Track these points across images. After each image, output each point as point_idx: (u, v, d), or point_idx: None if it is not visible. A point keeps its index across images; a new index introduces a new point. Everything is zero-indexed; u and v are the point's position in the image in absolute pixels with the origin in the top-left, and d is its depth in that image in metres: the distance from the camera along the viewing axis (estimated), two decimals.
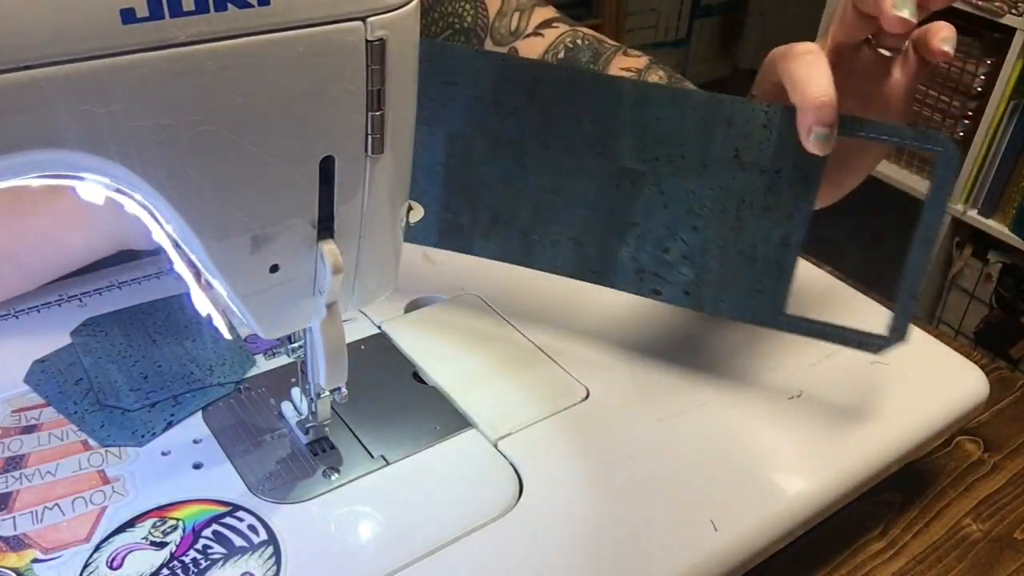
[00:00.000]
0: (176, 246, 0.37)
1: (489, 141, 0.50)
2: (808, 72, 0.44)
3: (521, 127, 0.49)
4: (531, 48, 0.72)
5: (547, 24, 0.72)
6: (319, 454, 0.47)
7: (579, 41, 0.70)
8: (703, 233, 0.47)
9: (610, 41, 0.71)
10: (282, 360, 0.53)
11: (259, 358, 0.53)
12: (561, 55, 0.70)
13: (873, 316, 0.60)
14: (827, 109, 0.43)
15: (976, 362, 0.58)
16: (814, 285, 0.64)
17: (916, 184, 1.77)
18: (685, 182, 0.47)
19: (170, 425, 0.48)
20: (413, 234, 0.52)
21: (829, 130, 0.43)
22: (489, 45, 0.73)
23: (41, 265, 0.55)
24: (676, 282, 0.46)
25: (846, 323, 0.49)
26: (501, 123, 0.49)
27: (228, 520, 0.43)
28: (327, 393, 0.46)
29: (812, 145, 0.44)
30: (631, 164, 0.48)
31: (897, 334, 0.46)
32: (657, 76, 0.66)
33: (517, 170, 0.50)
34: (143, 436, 0.47)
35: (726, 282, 0.47)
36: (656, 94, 0.47)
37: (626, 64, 0.68)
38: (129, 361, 0.52)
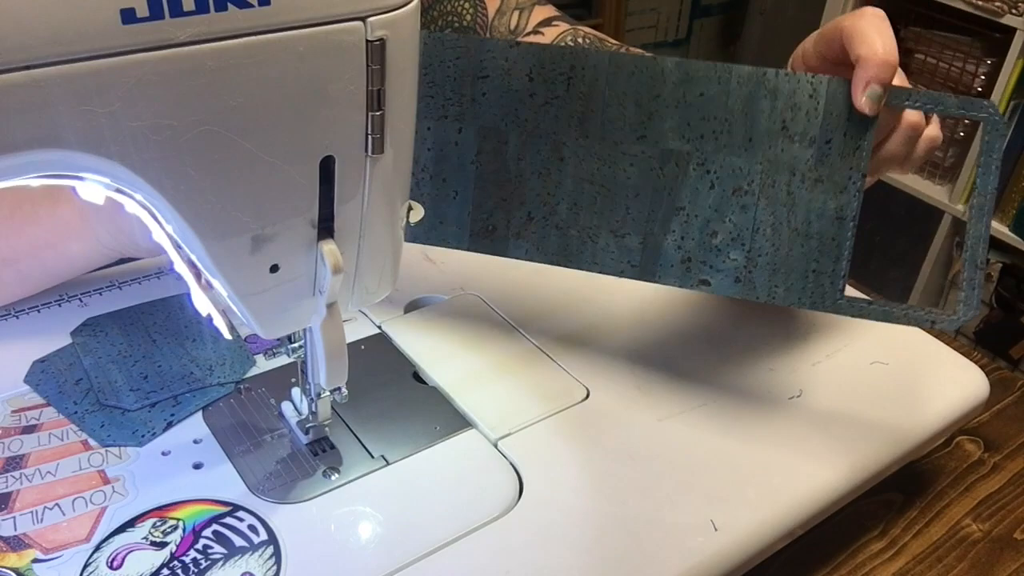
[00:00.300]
0: (176, 246, 0.37)
1: (524, 134, 0.49)
2: (878, 29, 0.44)
3: (558, 117, 0.48)
4: None
5: (547, 23, 0.72)
6: (319, 454, 0.47)
7: (580, 40, 0.70)
8: (753, 212, 0.45)
9: (611, 40, 0.71)
10: (282, 360, 0.53)
11: (259, 358, 0.53)
12: None
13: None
14: (889, 68, 0.43)
15: (976, 362, 0.58)
16: None
17: (925, 189, 1.77)
18: (732, 158, 0.46)
19: (170, 425, 0.48)
20: (444, 237, 0.51)
21: (883, 90, 0.43)
22: None
23: (41, 272, 0.55)
24: (726, 269, 0.44)
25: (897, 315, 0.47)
26: (536, 114, 0.48)
27: (228, 520, 0.43)
28: (327, 393, 0.46)
29: (864, 103, 0.43)
30: (675, 145, 0.47)
31: (967, 307, 0.44)
32: None
33: (554, 162, 0.49)
34: (143, 436, 0.47)
35: (780, 264, 0.45)
36: (700, 69, 0.46)
37: None
38: (129, 361, 0.52)
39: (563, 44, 0.70)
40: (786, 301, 0.43)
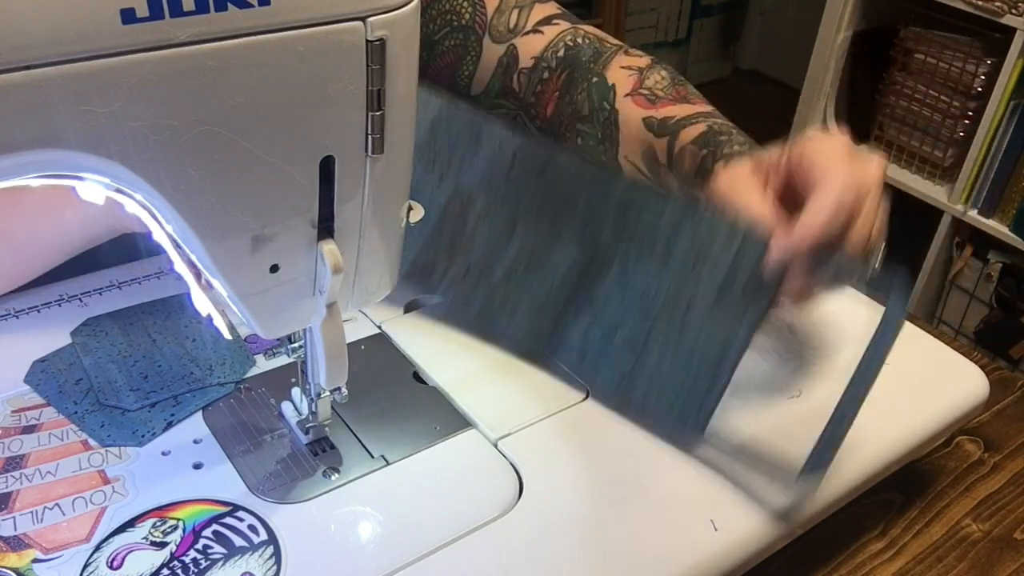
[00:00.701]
0: (176, 246, 0.37)
1: (491, 200, 0.54)
2: (826, 197, 0.45)
3: (523, 195, 0.54)
4: (530, 45, 0.71)
5: (547, 21, 0.71)
6: (319, 454, 0.47)
7: (580, 40, 0.70)
8: (651, 323, 0.48)
9: (612, 40, 0.71)
10: (282, 360, 0.53)
11: (259, 358, 0.53)
12: (561, 53, 0.70)
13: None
14: (814, 248, 0.44)
15: (976, 362, 0.58)
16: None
17: (925, 189, 1.77)
18: (648, 273, 0.50)
19: (170, 425, 0.48)
20: None
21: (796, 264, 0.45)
22: (487, 42, 0.72)
23: (38, 247, 0.54)
24: (613, 368, 0.47)
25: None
26: (507, 188, 0.54)
27: (228, 520, 0.43)
28: (327, 393, 0.46)
29: (772, 263, 0.45)
30: (606, 247, 0.51)
31: (808, 482, 0.45)
32: (659, 76, 0.66)
33: (507, 231, 0.54)
34: (143, 436, 0.47)
35: (660, 378, 0.47)
36: (643, 191, 0.51)
37: (627, 63, 0.68)
38: (129, 361, 0.52)
39: (561, 42, 0.70)
40: (656, 415, 0.44)
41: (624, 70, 0.68)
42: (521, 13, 0.72)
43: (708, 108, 0.64)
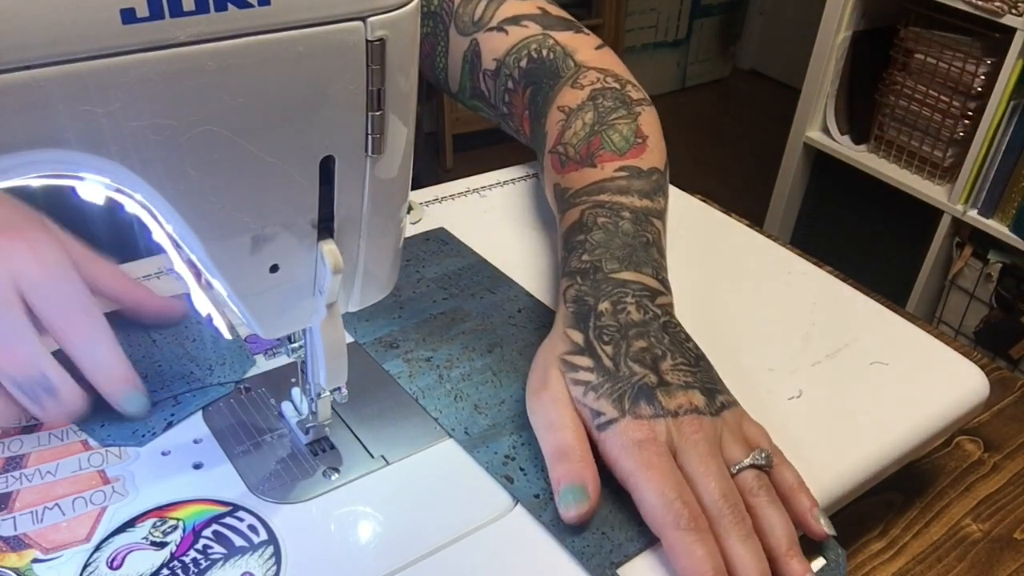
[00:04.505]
0: (176, 246, 0.37)
1: (482, 315, 0.58)
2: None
3: (512, 327, 0.57)
4: (493, 44, 0.66)
5: (515, 20, 0.66)
6: (319, 454, 0.47)
7: (545, 52, 0.64)
8: None
9: (579, 55, 0.64)
10: (282, 360, 0.53)
11: (259, 358, 0.53)
12: (524, 64, 0.65)
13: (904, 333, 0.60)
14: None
15: (976, 362, 0.58)
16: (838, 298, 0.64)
17: (925, 189, 1.77)
18: None
19: (170, 425, 0.48)
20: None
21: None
22: (453, 33, 0.68)
23: None
24: (533, 482, 0.45)
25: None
26: (499, 320, 0.57)
27: (228, 520, 0.43)
28: (327, 393, 0.46)
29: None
30: None
31: None
32: (582, 122, 0.60)
33: (484, 344, 0.55)
34: (143, 436, 0.47)
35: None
36: None
37: (565, 101, 0.62)
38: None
39: (526, 50, 0.64)
40: (574, 545, 0.42)
41: (558, 113, 0.62)
42: (488, 6, 0.67)
43: (606, 173, 0.57)
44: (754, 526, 0.42)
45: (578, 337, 0.48)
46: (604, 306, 0.49)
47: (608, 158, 0.58)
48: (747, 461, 0.44)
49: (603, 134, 0.59)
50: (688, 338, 0.49)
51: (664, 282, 0.52)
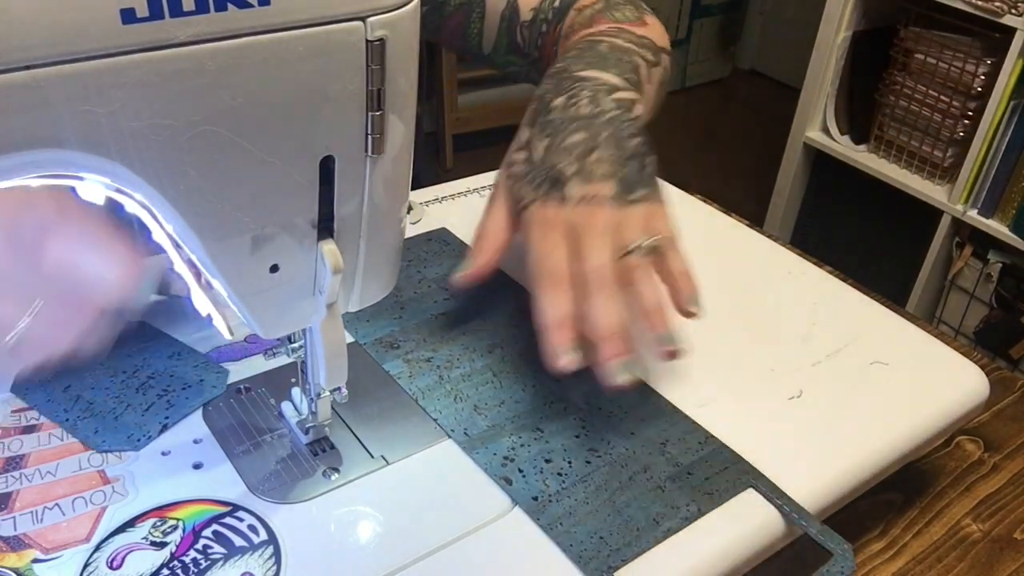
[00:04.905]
0: (176, 246, 0.37)
1: (490, 322, 0.57)
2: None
3: (519, 335, 0.56)
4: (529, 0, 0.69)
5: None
6: (319, 454, 0.47)
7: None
8: (592, 469, 0.47)
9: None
10: (282, 360, 0.53)
11: (259, 358, 0.53)
12: (557, 4, 0.69)
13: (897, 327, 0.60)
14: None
15: (976, 362, 0.58)
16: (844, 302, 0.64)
17: (925, 188, 1.77)
18: (612, 432, 0.49)
19: (165, 428, 0.48)
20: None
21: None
22: None
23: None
24: (534, 482, 0.46)
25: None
26: (509, 327, 0.57)
27: (228, 520, 0.43)
28: (327, 393, 0.46)
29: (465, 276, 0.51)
30: (577, 400, 0.51)
31: None
32: (597, 6, 0.64)
33: (485, 346, 0.55)
34: (139, 440, 0.47)
35: (579, 511, 0.45)
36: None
37: (583, 4, 0.66)
38: (118, 364, 0.52)
39: None
40: (571, 548, 0.43)
41: (574, 12, 0.66)
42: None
43: (600, 28, 0.61)
44: (631, 301, 0.46)
45: (524, 134, 0.53)
46: (559, 101, 0.53)
47: (605, 22, 0.63)
48: (632, 245, 0.47)
49: (607, 12, 0.65)
50: (636, 134, 0.51)
51: (631, 81, 0.55)
